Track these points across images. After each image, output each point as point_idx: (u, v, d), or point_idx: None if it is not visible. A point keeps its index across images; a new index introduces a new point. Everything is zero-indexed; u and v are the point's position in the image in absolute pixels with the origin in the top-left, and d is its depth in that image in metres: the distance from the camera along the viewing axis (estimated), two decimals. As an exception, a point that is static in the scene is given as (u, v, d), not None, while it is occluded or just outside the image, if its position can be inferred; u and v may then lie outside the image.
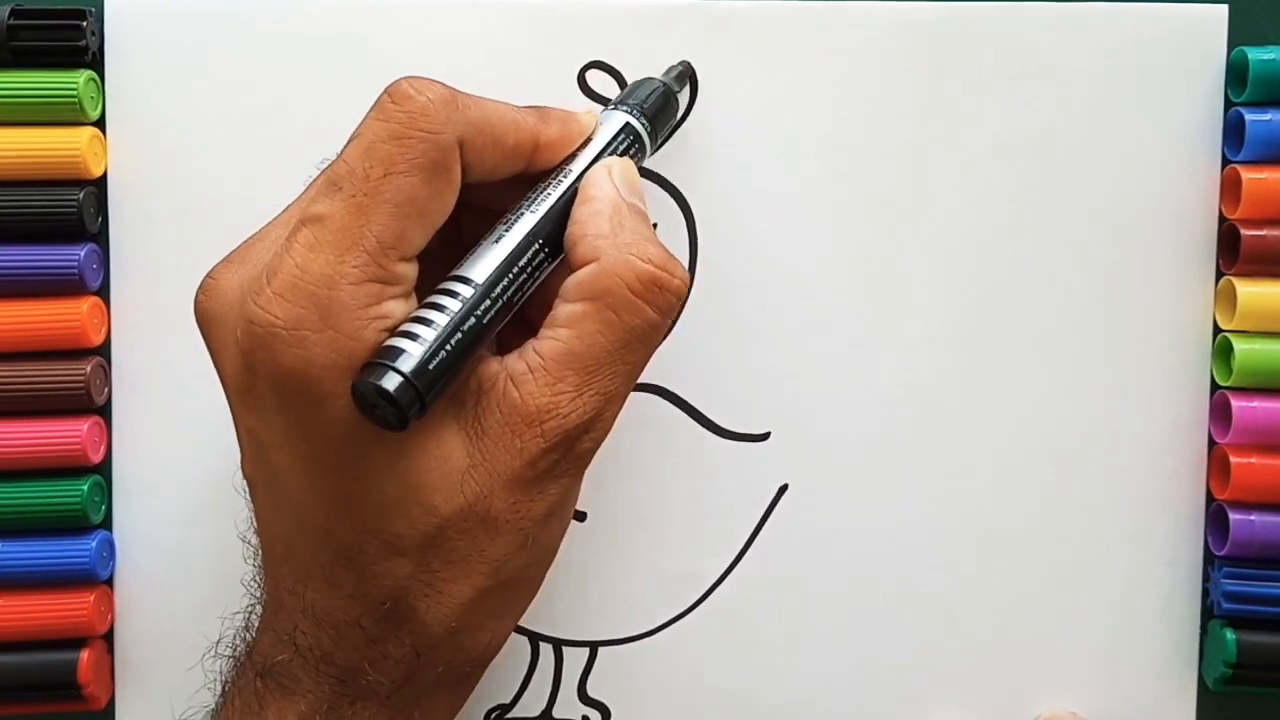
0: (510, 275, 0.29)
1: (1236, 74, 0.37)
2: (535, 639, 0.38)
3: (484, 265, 0.29)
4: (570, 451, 0.29)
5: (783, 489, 0.38)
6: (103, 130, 0.37)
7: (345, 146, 0.28)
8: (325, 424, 0.27)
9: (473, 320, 0.28)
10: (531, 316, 0.30)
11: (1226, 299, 0.37)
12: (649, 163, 0.37)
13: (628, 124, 0.33)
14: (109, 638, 0.38)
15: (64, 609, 0.36)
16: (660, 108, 0.34)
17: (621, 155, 0.32)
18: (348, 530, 0.28)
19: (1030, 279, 0.38)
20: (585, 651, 0.38)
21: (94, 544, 0.37)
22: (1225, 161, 0.37)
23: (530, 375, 0.28)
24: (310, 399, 0.27)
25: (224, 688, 0.31)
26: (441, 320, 0.27)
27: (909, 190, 0.38)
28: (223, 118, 0.37)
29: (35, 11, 0.36)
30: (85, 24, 0.36)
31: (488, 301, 0.28)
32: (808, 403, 0.38)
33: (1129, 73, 0.37)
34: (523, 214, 0.30)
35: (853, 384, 0.38)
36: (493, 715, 0.38)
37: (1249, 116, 0.36)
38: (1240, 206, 0.37)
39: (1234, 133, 0.37)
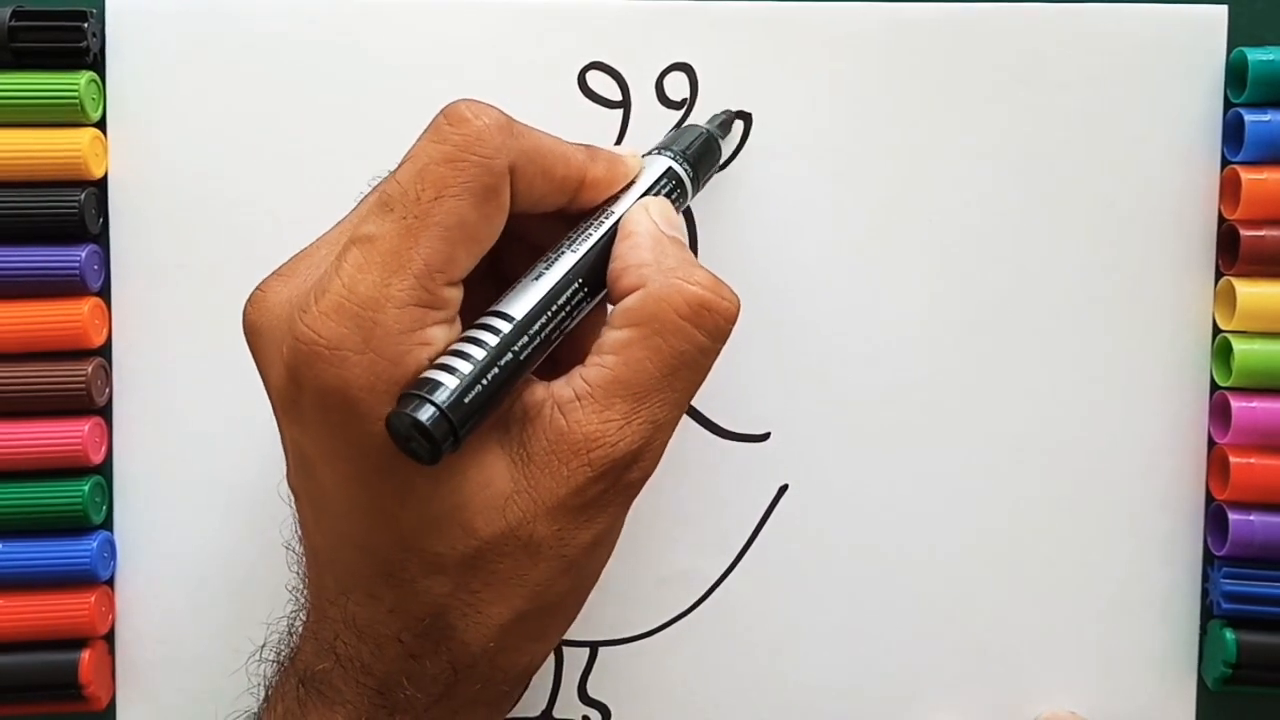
0: (549, 313, 0.29)
1: (1236, 75, 0.37)
2: (535, 639, 0.38)
3: (524, 302, 0.29)
4: (618, 481, 0.29)
5: (783, 489, 0.38)
6: (104, 131, 0.37)
7: (399, 166, 0.28)
8: (365, 442, 0.27)
9: (510, 356, 0.28)
10: (563, 357, 0.30)
11: (1226, 299, 0.37)
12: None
13: (670, 169, 0.33)
14: (110, 638, 0.38)
15: (65, 609, 0.37)
16: (703, 154, 0.35)
17: (667, 198, 0.33)
18: (387, 547, 0.28)
19: (1029, 279, 0.38)
20: (585, 651, 0.38)
21: (95, 544, 0.37)
22: (1225, 162, 0.37)
23: (578, 403, 0.28)
24: (350, 417, 0.27)
25: (266, 692, 0.31)
26: (479, 355, 0.27)
27: (908, 191, 0.38)
28: (224, 119, 0.37)
29: (36, 12, 0.36)
30: (86, 25, 0.36)
31: (525, 338, 0.28)
32: (808, 403, 0.38)
33: (1129, 73, 0.37)
34: (564, 252, 0.30)
35: (852, 384, 0.38)
36: (493, 715, 0.38)
37: (1248, 117, 0.36)
38: (1240, 207, 0.37)
39: (1233, 133, 0.37)
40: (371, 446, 0.27)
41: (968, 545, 0.38)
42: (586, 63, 0.37)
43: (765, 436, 0.38)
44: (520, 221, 0.30)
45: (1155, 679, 0.38)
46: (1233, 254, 0.37)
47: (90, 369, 0.36)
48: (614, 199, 0.32)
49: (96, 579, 0.37)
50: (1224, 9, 0.37)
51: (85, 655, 0.37)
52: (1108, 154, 0.37)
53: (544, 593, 0.29)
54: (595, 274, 0.30)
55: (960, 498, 0.38)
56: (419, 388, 0.26)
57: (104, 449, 0.37)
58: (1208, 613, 0.38)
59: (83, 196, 0.36)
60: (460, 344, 0.27)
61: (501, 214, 0.28)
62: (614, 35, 0.37)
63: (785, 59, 0.37)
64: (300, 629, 0.31)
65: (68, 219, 0.36)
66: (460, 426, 0.26)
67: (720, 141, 0.36)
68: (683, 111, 0.37)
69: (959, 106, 0.37)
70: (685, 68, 0.37)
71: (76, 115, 0.36)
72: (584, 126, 0.37)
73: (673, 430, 0.30)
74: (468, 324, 0.28)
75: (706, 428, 0.38)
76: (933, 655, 0.38)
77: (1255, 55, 0.36)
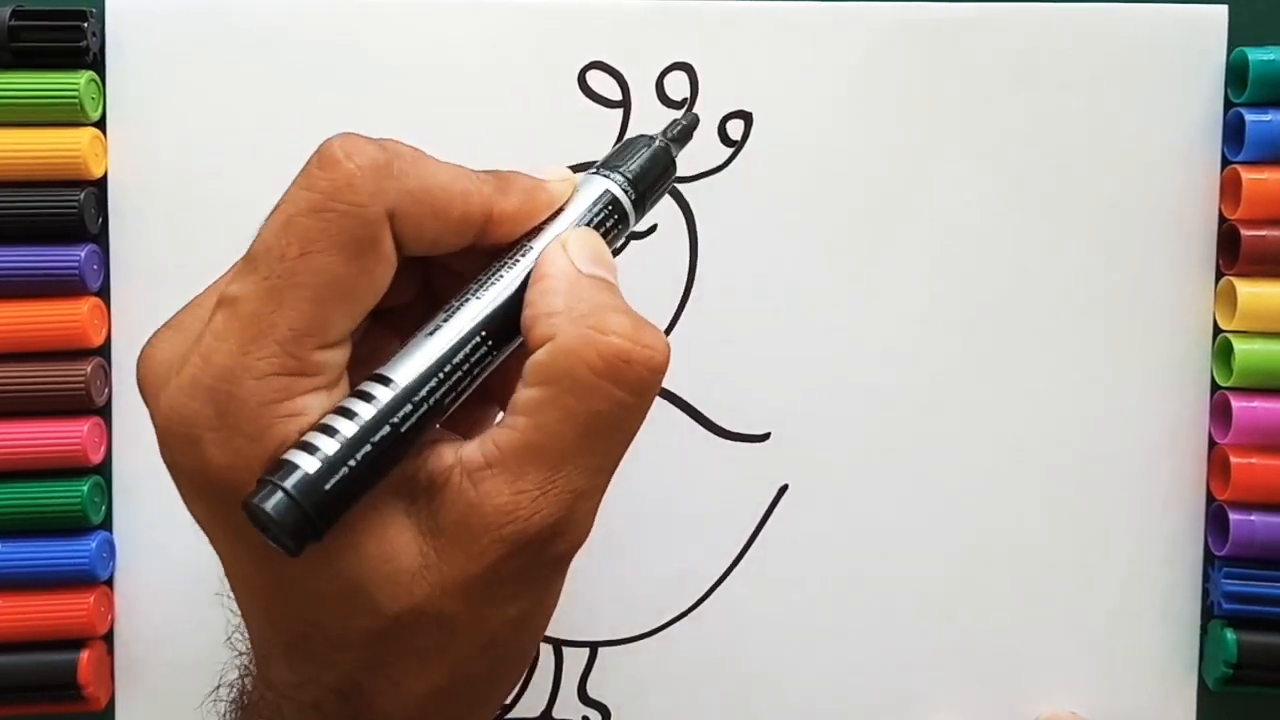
0: (441, 375, 0.25)
1: (1236, 74, 0.37)
2: (535, 639, 0.38)
3: (411, 365, 0.25)
4: (540, 557, 0.26)
5: (783, 489, 0.38)
6: (103, 131, 0.37)
7: (269, 215, 0.25)
8: (239, 524, 0.24)
9: (387, 430, 0.24)
10: (498, 397, 0.28)
11: (1227, 299, 0.37)
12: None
13: (607, 193, 0.29)
14: (109, 638, 0.38)
15: (64, 609, 0.36)
16: (649, 171, 0.30)
17: (600, 228, 0.28)
18: (289, 620, 0.26)
19: (1030, 279, 0.38)
20: (585, 652, 0.38)
21: (94, 544, 0.37)
22: (1225, 162, 0.37)
23: (488, 470, 0.25)
24: (216, 501, 0.25)
25: None
26: (348, 430, 0.24)
27: (908, 191, 0.38)
28: (223, 119, 0.37)
29: (36, 12, 0.36)
30: (86, 25, 0.36)
31: (409, 406, 0.25)
32: (808, 403, 0.38)
33: (1129, 73, 0.37)
34: (467, 300, 0.26)
35: (853, 384, 0.38)
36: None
37: (1249, 117, 0.36)
38: (1240, 207, 0.37)
39: (1234, 133, 0.37)
40: (246, 528, 0.24)
41: (968, 545, 0.38)
42: (586, 62, 0.37)
43: (765, 436, 0.38)
44: (447, 255, 0.27)
45: (1156, 679, 0.38)
46: (1233, 254, 0.37)
47: (89, 369, 0.36)
48: (536, 232, 0.28)
49: (95, 579, 0.37)
50: (1224, 9, 0.37)
51: (84, 655, 0.36)
52: (1109, 154, 0.37)
53: (464, 670, 0.26)
54: (508, 322, 0.26)
55: (960, 497, 0.38)
56: (274, 471, 0.24)
57: (103, 449, 0.37)
58: (1208, 613, 0.38)
59: (82, 196, 0.36)
60: (332, 416, 0.24)
61: (384, 264, 0.25)
62: (614, 35, 0.37)
63: (786, 58, 0.37)
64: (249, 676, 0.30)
65: (67, 219, 0.36)
66: (320, 516, 0.23)
67: (675, 153, 0.31)
68: (683, 111, 0.37)
69: (959, 106, 0.37)
70: (685, 67, 0.37)
71: (76, 115, 0.36)
72: (584, 126, 0.37)
73: (600, 496, 0.26)
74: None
75: (706, 427, 0.38)
76: (933, 655, 0.38)
77: (1256, 55, 0.36)
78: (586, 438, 0.25)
